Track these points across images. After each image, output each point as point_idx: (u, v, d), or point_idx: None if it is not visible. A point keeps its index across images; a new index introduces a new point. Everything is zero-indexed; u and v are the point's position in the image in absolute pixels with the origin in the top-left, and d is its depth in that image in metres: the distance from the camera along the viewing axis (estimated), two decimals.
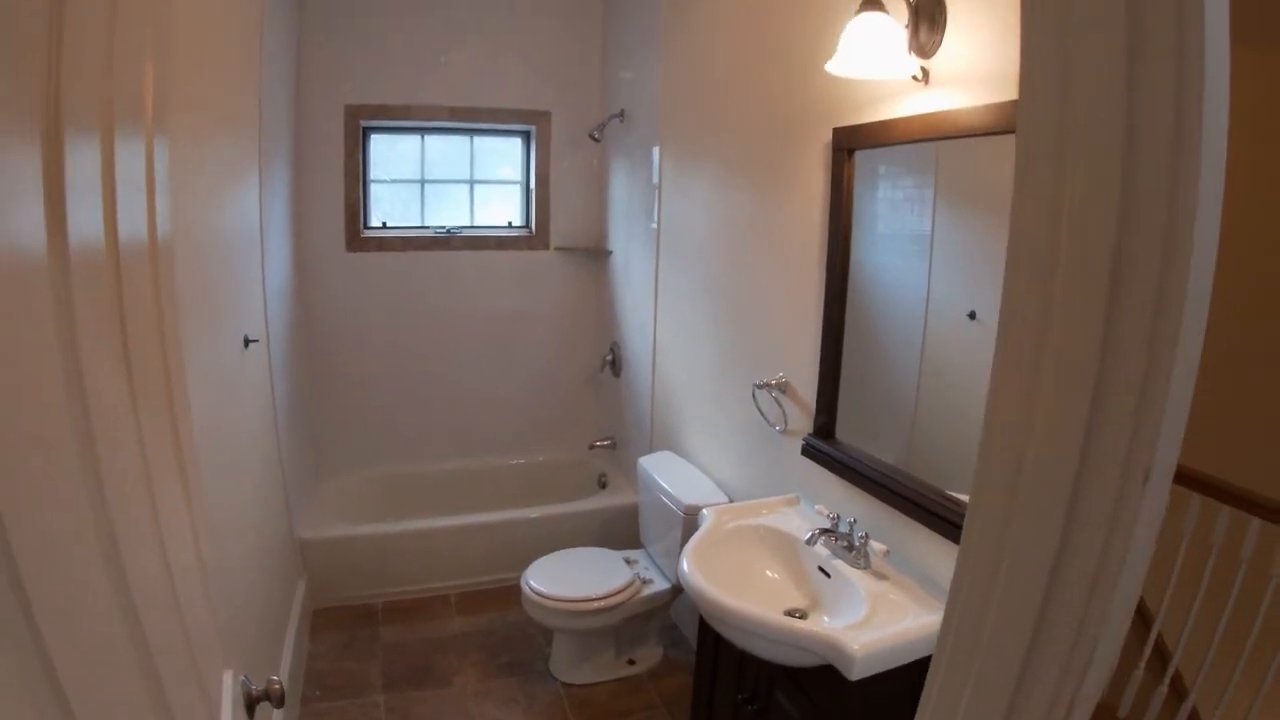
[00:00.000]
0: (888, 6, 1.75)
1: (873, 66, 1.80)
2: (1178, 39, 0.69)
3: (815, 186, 2.29)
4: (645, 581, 2.91)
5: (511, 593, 3.14)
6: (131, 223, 0.75)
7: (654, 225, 3.37)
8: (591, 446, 4.06)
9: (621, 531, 3.49)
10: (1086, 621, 0.82)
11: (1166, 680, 2.69)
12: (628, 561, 3.00)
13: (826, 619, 1.94)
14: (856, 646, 1.60)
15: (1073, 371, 0.80)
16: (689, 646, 3.05)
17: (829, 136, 2.18)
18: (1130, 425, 0.77)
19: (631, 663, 3.06)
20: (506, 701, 2.87)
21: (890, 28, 1.73)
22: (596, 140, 3.83)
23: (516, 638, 3.23)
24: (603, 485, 3.90)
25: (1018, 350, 0.86)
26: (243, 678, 1.13)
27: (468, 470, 4.08)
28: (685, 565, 2.01)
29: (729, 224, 2.81)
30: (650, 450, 3.39)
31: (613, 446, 4.02)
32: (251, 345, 2.38)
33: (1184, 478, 2.41)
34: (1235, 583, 2.37)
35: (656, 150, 3.32)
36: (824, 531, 2.00)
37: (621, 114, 3.68)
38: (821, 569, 2.01)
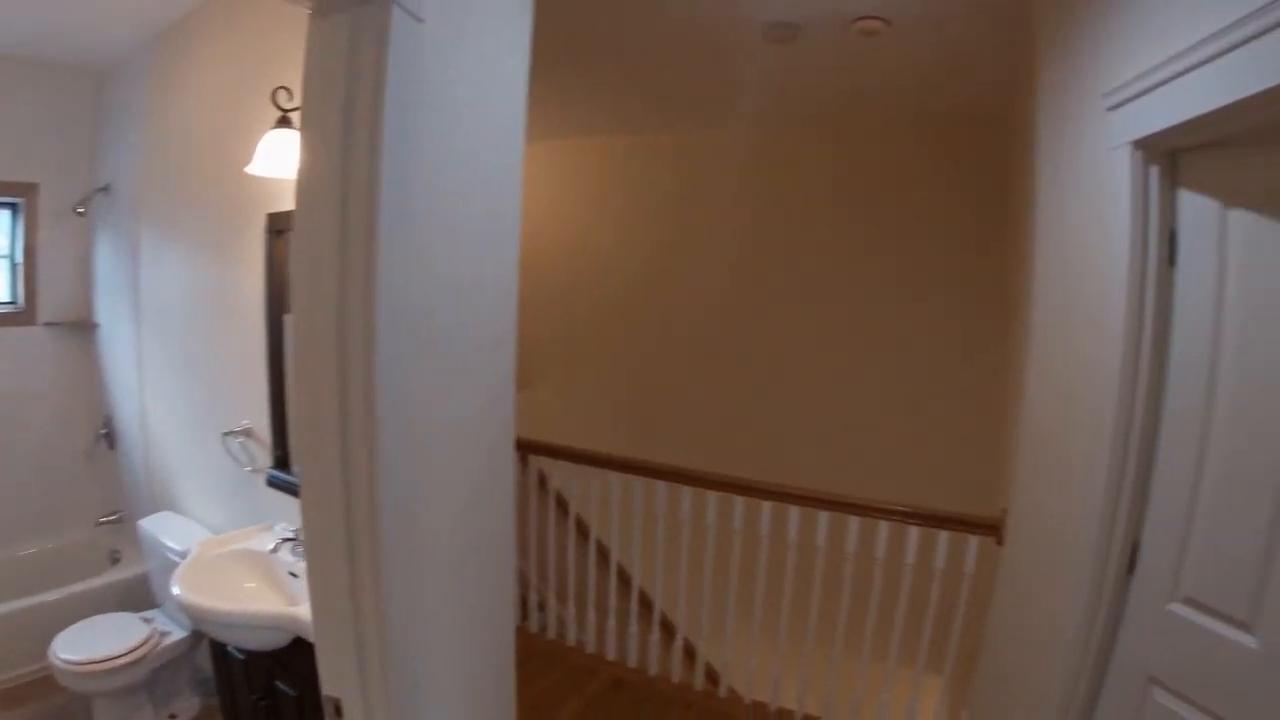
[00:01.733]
0: (295, 122, 2.29)
1: (280, 167, 2.32)
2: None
3: (257, 260, 2.71)
4: (164, 634, 3.08)
5: (50, 679, 3.10)
6: None
7: (135, 296, 3.50)
8: (98, 523, 4.01)
9: (140, 598, 3.56)
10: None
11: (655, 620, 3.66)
12: (145, 620, 3.14)
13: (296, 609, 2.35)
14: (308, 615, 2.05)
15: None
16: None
17: (265, 220, 2.64)
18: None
19: (173, 716, 3.21)
20: None
21: (295, 139, 2.25)
22: (82, 214, 3.83)
23: (60, 717, 3.20)
24: (115, 560, 3.89)
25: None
26: None
27: None
28: (175, 589, 2.33)
29: (197, 293, 3.13)
30: (152, 513, 3.50)
31: (119, 520, 4.00)
32: None
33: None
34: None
35: (136, 224, 3.47)
36: (286, 540, 2.47)
37: (107, 188, 3.74)
38: (291, 573, 2.45)
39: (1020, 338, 2.88)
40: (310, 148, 1.47)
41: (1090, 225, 2.28)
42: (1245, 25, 1.52)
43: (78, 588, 3.55)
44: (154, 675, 3.08)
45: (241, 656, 2.48)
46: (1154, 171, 1.99)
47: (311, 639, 2.00)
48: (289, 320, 2.64)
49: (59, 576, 3.74)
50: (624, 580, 3.82)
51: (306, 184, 1.49)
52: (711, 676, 3.66)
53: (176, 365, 3.29)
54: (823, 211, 4.80)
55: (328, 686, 1.62)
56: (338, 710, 1.61)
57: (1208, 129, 1.77)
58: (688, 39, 3.49)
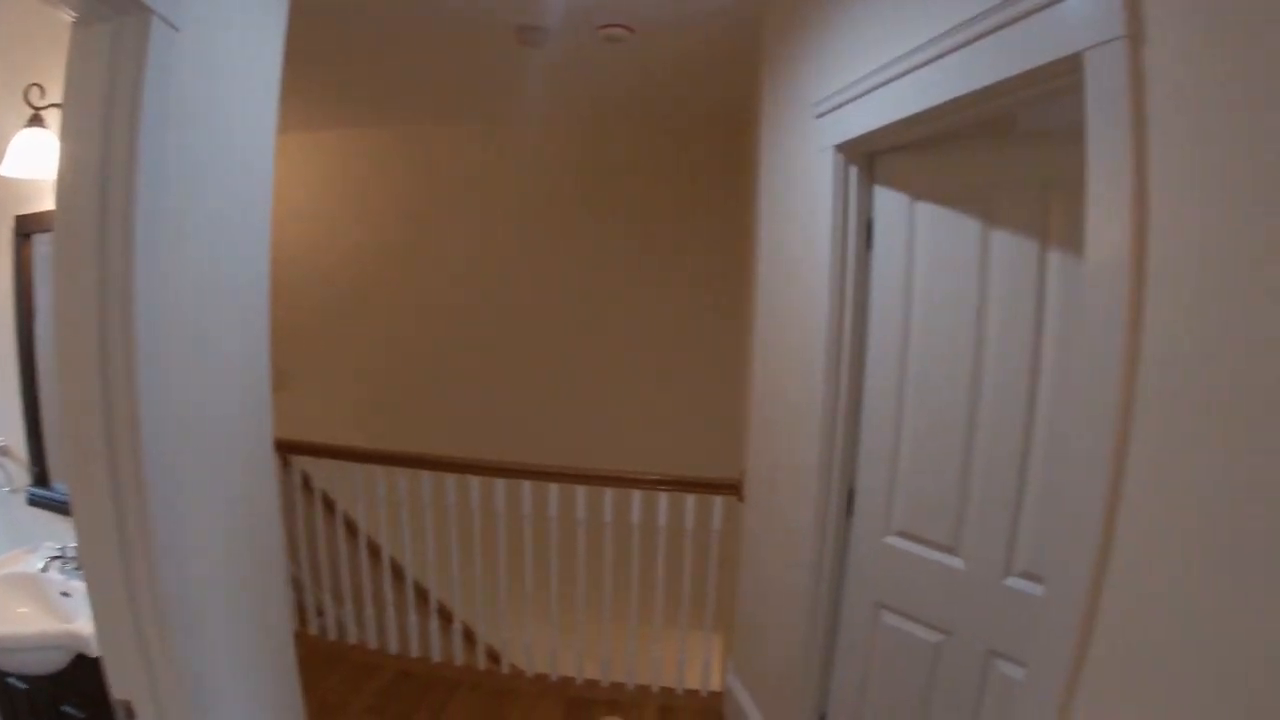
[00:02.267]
0: (48, 121, 2.18)
1: (33, 168, 2.19)
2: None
3: (3, 266, 2.53)
4: None
5: None
6: None
7: None
8: None
9: None
10: None
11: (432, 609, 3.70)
12: None
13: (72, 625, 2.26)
14: (90, 630, 2.00)
15: None
16: None
17: (12, 223, 2.48)
18: None
19: None
20: None
21: (50, 141, 2.14)
22: None
23: None
24: None
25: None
26: None
27: None
28: None
29: None
30: None
31: None
32: None
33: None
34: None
35: None
36: (54, 559, 2.35)
37: None
38: (63, 593, 2.33)
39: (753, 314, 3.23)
40: (70, 153, 1.47)
41: (803, 215, 2.62)
42: (913, 56, 1.88)
43: None
44: None
45: (24, 686, 2.33)
46: (853, 171, 2.34)
47: (92, 653, 2.03)
48: (42, 326, 2.49)
49: None
50: (398, 574, 3.85)
51: (65, 187, 1.48)
52: (493, 656, 3.80)
53: None
54: (575, 204, 5.04)
55: (117, 690, 1.62)
56: (129, 713, 1.61)
57: (892, 136, 2.13)
58: (443, 38, 3.59)
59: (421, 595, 3.90)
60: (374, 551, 3.86)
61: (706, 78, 3.98)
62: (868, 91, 2.12)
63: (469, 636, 3.87)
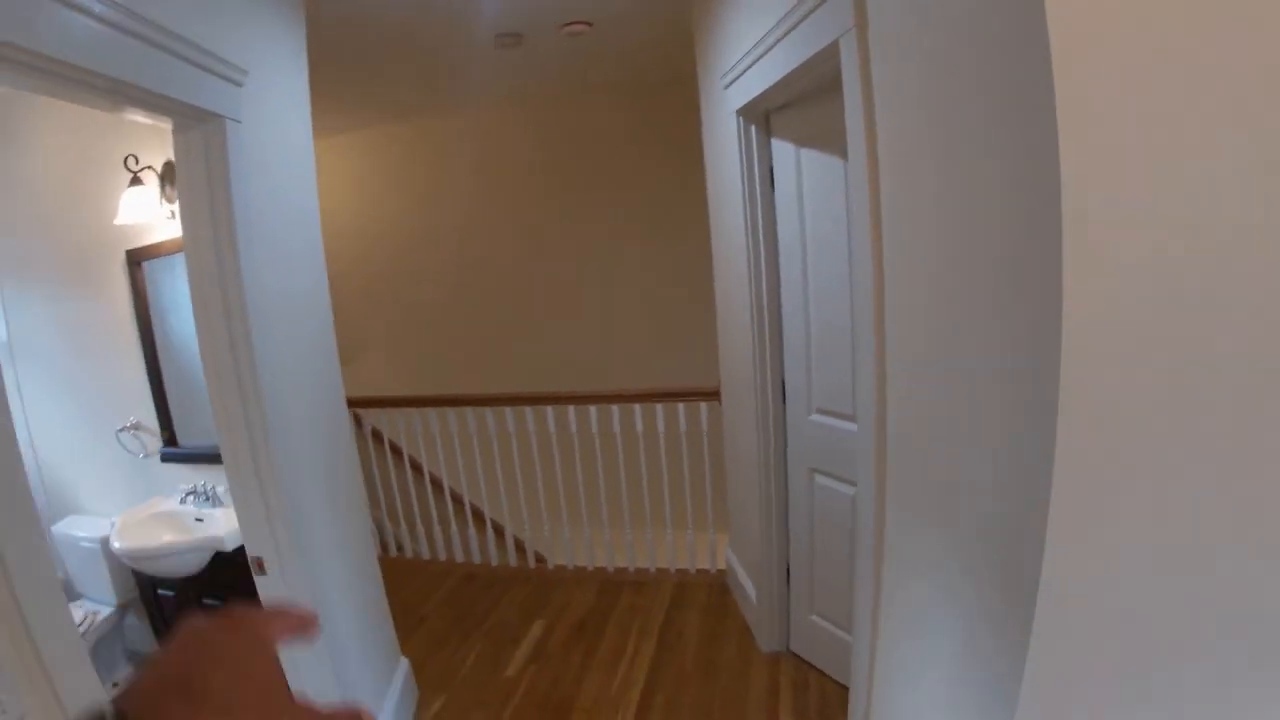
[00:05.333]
0: (145, 180, 2.86)
1: (139, 216, 2.86)
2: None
3: (121, 287, 3.21)
4: (95, 612, 3.53)
5: None
6: None
7: (3, 340, 3.73)
8: None
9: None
10: None
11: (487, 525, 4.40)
12: (76, 606, 3.56)
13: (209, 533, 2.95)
14: (223, 533, 2.67)
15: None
16: None
17: (124, 256, 3.14)
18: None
19: (115, 684, 3.64)
20: None
21: (148, 194, 2.85)
22: None
23: None
24: None
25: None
26: None
27: None
28: (116, 544, 2.88)
29: (68, 324, 3.48)
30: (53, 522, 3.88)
31: None
32: None
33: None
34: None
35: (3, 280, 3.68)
36: (189, 493, 3.03)
37: None
38: (197, 519, 3.01)
39: None
40: (190, 213, 2.14)
41: (725, 167, 3.11)
42: (766, 40, 2.36)
43: None
44: (94, 650, 3.50)
45: (172, 593, 3.04)
46: (753, 129, 2.81)
47: (226, 550, 2.73)
48: (159, 328, 3.20)
49: None
50: (456, 499, 4.51)
51: (192, 232, 2.15)
52: (539, 558, 4.41)
53: (59, 390, 3.65)
54: (573, 170, 5.59)
55: (251, 549, 2.29)
56: (261, 566, 2.28)
57: (771, 99, 2.58)
58: (439, 51, 4.13)
59: (478, 515, 4.55)
60: (436, 484, 4.54)
61: (660, 56, 4.45)
62: (750, 66, 2.58)
63: (519, 546, 4.54)
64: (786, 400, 2.97)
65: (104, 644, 3.59)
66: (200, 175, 2.10)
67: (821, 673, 3.00)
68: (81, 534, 3.52)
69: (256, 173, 2.27)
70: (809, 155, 2.62)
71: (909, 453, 1.73)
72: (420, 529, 4.53)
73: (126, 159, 2.90)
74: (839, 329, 2.55)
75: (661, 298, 5.51)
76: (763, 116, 2.81)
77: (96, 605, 3.59)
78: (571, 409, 4.04)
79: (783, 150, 2.76)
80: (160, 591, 3.09)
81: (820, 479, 2.84)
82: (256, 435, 2.22)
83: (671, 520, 4.03)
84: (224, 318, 2.16)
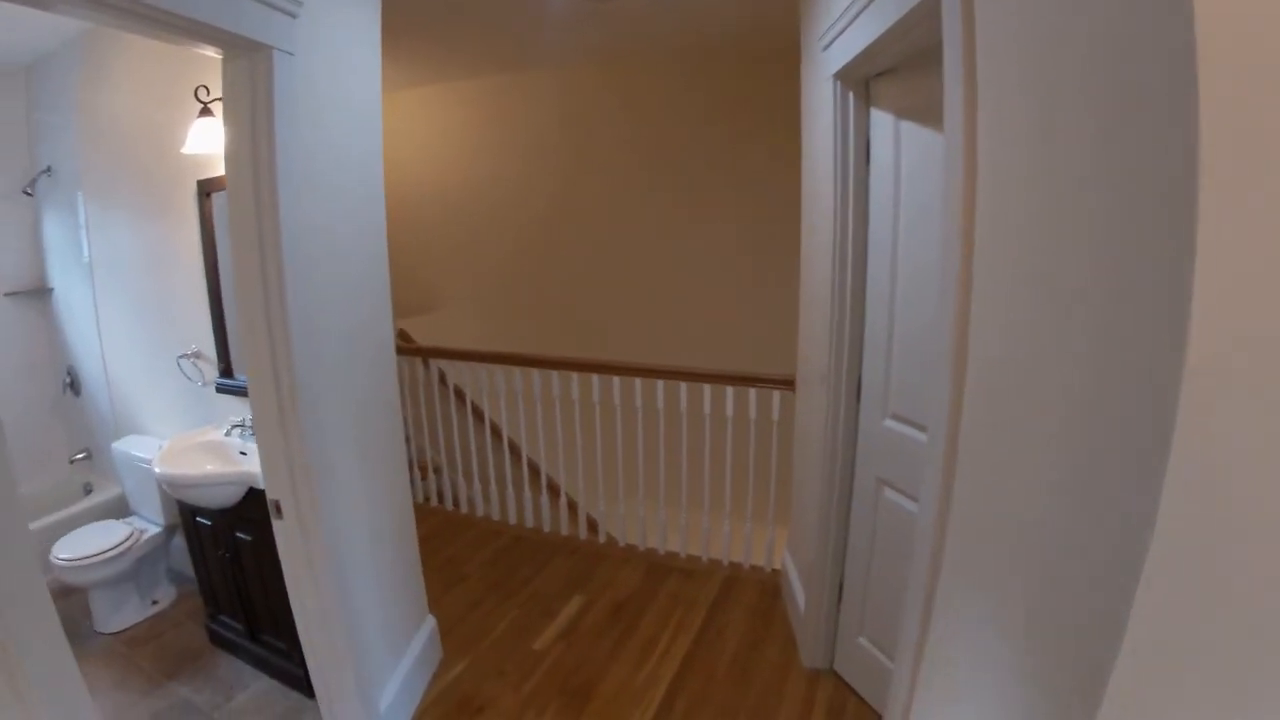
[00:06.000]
0: (215, 111, 2.78)
1: (208, 146, 2.79)
2: None
3: (191, 216, 3.18)
4: (142, 531, 3.55)
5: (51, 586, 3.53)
6: None
7: (85, 260, 3.84)
8: (71, 461, 4.39)
9: (118, 514, 3.93)
10: None
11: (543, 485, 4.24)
12: (125, 523, 3.58)
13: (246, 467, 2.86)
14: (257, 469, 2.56)
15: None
16: (193, 582, 3.68)
17: (195, 186, 3.09)
18: None
19: (155, 602, 3.67)
20: None
21: (217, 125, 2.76)
22: (29, 195, 4.06)
23: (62, 619, 3.61)
24: (88, 491, 4.27)
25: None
26: None
27: None
28: (157, 469, 2.84)
29: (143, 249, 3.51)
30: (118, 439, 3.93)
31: (89, 457, 4.40)
32: None
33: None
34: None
35: (80, 195, 3.77)
36: (235, 426, 2.97)
37: (49, 170, 3.97)
38: (241, 452, 2.94)
39: None
40: (233, 140, 2.02)
41: (819, 137, 2.81)
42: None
43: (57, 515, 3.89)
44: (138, 566, 3.51)
45: (209, 522, 2.99)
46: (850, 97, 2.50)
47: (260, 486, 2.62)
48: (222, 260, 3.14)
49: (44, 510, 4.11)
50: (515, 453, 4.40)
51: (232, 163, 2.04)
52: (591, 525, 4.24)
53: (130, 312, 3.69)
54: (657, 134, 5.30)
55: (271, 492, 2.20)
56: (278, 510, 2.20)
57: (875, 59, 2.26)
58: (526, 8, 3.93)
59: (534, 472, 4.41)
60: (496, 435, 4.41)
61: (760, 20, 4.11)
62: (850, 23, 2.27)
63: (572, 508, 4.36)
64: (861, 400, 2.67)
65: (148, 561, 3.62)
66: (244, 108, 1.98)
67: (861, 699, 2.73)
68: (139, 454, 3.54)
69: (307, 109, 2.13)
70: (909, 130, 2.30)
71: (981, 475, 1.45)
72: (478, 485, 4.43)
73: (197, 90, 2.82)
74: (923, 328, 2.24)
75: (743, 276, 5.21)
76: (862, 83, 2.49)
77: (146, 524, 3.61)
78: (638, 381, 3.82)
79: (881, 122, 2.44)
80: (199, 519, 3.05)
81: (888, 493, 2.55)
82: (282, 374, 2.10)
83: (730, 509, 3.79)
84: (257, 250, 2.04)
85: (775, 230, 4.75)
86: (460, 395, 4.45)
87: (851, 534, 2.79)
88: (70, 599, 3.57)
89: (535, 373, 4.06)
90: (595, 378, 3.88)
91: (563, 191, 5.65)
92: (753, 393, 3.54)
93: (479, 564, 3.89)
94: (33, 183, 4.09)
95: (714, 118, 5.06)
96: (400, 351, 4.47)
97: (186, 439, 3.15)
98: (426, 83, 5.77)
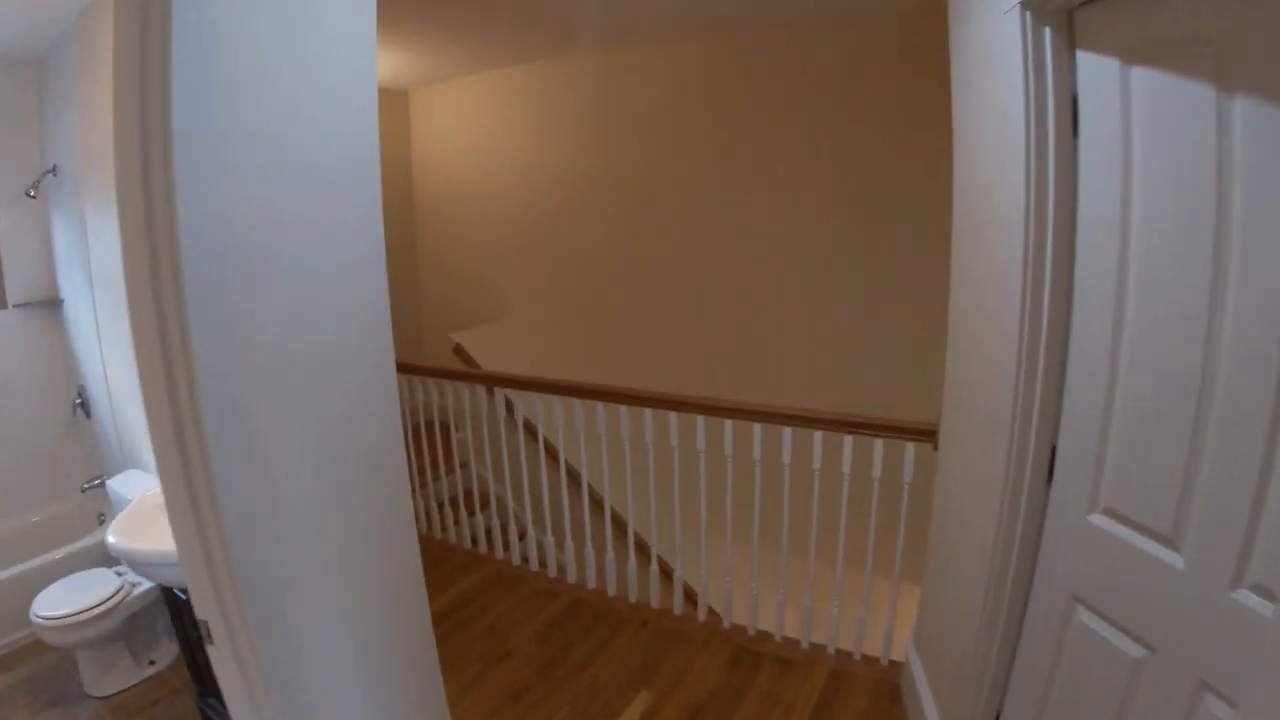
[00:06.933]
0: None
1: None
2: None
3: None
4: (134, 585, 2.96)
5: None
6: None
7: (88, 269, 3.37)
8: (83, 489, 3.86)
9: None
10: None
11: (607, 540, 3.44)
12: (118, 573, 3.01)
13: None
14: None
15: None
16: None
17: None
18: None
19: (153, 663, 3.12)
20: None
21: None
22: (33, 197, 3.63)
23: (52, 674, 3.14)
24: (101, 522, 3.77)
25: None
26: None
27: None
28: (110, 537, 2.22)
29: None
30: (121, 473, 3.37)
31: (101, 484, 3.87)
32: None
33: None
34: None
35: (81, 201, 3.32)
36: None
37: (54, 169, 3.55)
38: None
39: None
40: (118, 102, 1.30)
41: (991, 99, 1.93)
42: None
43: (59, 553, 3.44)
44: (130, 624, 2.98)
45: (184, 595, 2.36)
46: (1046, 35, 1.63)
47: None
48: None
49: (52, 543, 3.63)
50: (595, 503, 3.64)
51: (118, 133, 1.31)
52: (664, 569, 3.46)
53: (128, 332, 3.11)
54: (754, 124, 4.35)
55: (198, 611, 1.52)
56: (208, 632, 1.53)
57: None
58: None
59: (619, 528, 3.66)
60: (573, 479, 3.64)
61: None
62: None
63: (641, 559, 3.54)
64: (1053, 480, 1.81)
65: (143, 618, 3.13)
66: (131, 67, 1.26)
67: None
68: (130, 495, 2.97)
69: (246, 64, 1.41)
70: (1146, 80, 1.43)
71: None
72: (531, 533, 3.70)
73: None
74: (1178, 387, 1.39)
75: (863, 298, 4.19)
76: (1063, 15, 1.63)
77: (139, 577, 3.04)
78: (730, 424, 2.97)
79: (1096, 70, 1.57)
80: (176, 592, 2.43)
81: (1086, 616, 1.69)
82: (188, 431, 1.39)
83: (840, 586, 2.94)
84: (146, 252, 1.32)
85: (904, 242, 3.88)
86: (531, 429, 3.73)
87: (1021, 657, 1.95)
88: (58, 650, 3.09)
89: (591, 405, 3.30)
90: (673, 415, 3.08)
91: (643, 190, 4.85)
92: (877, 444, 2.68)
93: (528, 636, 3.16)
94: (36, 184, 3.61)
95: (815, 98, 4.13)
96: (459, 377, 3.80)
97: (157, 495, 2.51)
98: (489, 67, 5.07)
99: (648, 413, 3.10)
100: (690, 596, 3.40)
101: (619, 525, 3.75)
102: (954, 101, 2.29)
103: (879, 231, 4.05)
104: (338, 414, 1.72)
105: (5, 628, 3.31)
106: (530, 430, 3.71)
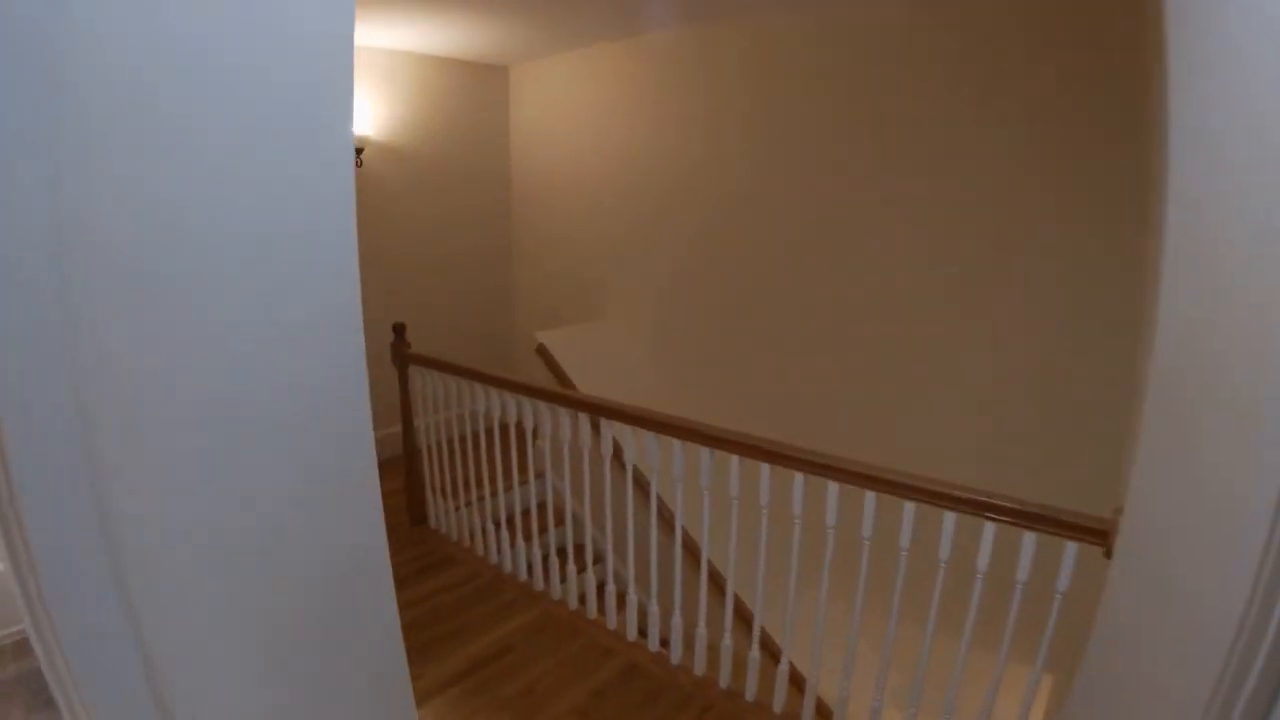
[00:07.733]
0: None
1: None
2: None
3: None
4: None
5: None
6: None
7: None
8: None
9: None
10: None
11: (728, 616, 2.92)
12: None
13: None
14: None
15: None
16: None
17: None
18: None
19: None
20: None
21: None
22: None
23: None
24: None
25: None
26: None
27: None
28: None
29: None
30: None
31: None
32: None
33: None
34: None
35: None
36: None
37: None
38: None
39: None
40: None
41: (1247, 93, 1.30)
42: None
43: None
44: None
45: None
46: None
47: None
48: None
49: None
50: (690, 553, 3.11)
51: None
52: (797, 682, 2.81)
53: None
54: (879, 126, 3.62)
55: None
56: None
57: None
58: None
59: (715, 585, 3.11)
60: (667, 525, 3.08)
61: None
62: None
63: (743, 621, 3.02)
64: None
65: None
66: None
67: None
68: None
69: None
70: None
71: None
72: (609, 580, 3.15)
73: None
74: None
75: (1012, 348, 3.34)
76: None
77: None
78: (834, 486, 2.32)
79: None
80: None
81: None
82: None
83: (953, 709, 2.29)
84: None
85: (1064, 280, 3.18)
86: (618, 457, 3.07)
87: None
88: None
89: (694, 448, 2.67)
90: (764, 466, 2.48)
91: (749, 196, 4.27)
92: (1027, 538, 2.01)
93: (569, 707, 2.66)
94: None
95: (959, 106, 3.41)
96: (548, 398, 3.08)
97: None
98: (588, 41, 4.60)
99: (765, 467, 2.50)
100: (797, 683, 2.80)
101: (715, 585, 3.19)
102: (1169, 101, 1.63)
103: (1032, 271, 3.27)
104: (265, 496, 1.26)
105: (5, 621, 3.11)
106: (618, 455, 3.10)
